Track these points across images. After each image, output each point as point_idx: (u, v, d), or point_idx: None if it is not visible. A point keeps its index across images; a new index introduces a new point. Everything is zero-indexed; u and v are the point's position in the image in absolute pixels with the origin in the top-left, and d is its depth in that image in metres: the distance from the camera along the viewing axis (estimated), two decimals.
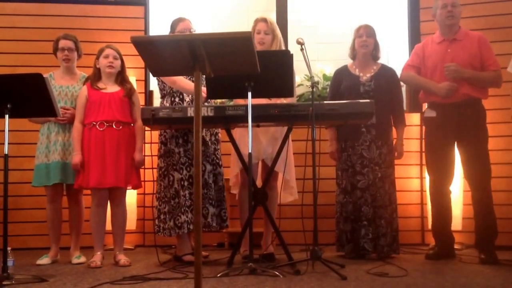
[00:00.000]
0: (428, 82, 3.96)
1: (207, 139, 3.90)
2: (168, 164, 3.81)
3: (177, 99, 3.86)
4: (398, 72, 4.10)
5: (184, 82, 3.77)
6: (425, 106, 4.13)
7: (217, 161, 3.93)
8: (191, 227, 3.69)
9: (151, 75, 3.51)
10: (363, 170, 3.89)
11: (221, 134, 4.03)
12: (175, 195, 3.76)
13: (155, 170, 3.85)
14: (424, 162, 4.71)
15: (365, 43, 3.97)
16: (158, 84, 3.96)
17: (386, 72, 4.02)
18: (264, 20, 3.95)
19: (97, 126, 3.75)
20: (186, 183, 3.73)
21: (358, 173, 3.90)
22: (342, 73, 4.09)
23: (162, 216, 3.80)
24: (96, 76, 3.90)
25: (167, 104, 3.84)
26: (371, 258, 3.83)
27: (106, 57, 3.86)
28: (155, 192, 3.87)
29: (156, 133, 4.43)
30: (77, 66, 4.10)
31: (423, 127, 4.18)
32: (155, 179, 3.81)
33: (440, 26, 3.97)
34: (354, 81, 3.99)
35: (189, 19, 3.94)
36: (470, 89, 3.80)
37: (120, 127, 3.78)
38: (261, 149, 3.86)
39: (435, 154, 3.94)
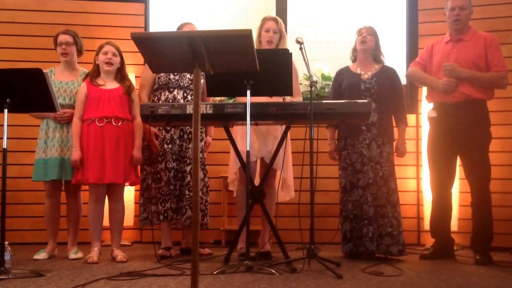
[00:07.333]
0: (429, 78, 3.99)
1: (175, 137, 3.96)
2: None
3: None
4: (398, 73, 4.10)
5: None
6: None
7: (185, 159, 3.97)
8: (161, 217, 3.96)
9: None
10: (363, 168, 3.87)
11: (220, 131, 4.03)
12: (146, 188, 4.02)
13: None
14: (420, 163, 4.75)
15: (365, 38, 3.98)
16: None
17: (387, 71, 4.02)
18: (275, 19, 4.00)
19: (96, 122, 3.75)
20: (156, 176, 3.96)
21: (358, 172, 3.88)
22: (343, 73, 4.10)
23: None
24: (95, 73, 3.90)
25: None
26: (373, 257, 3.78)
27: (105, 53, 3.86)
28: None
29: None
30: (77, 62, 4.10)
31: (427, 127, 4.18)
32: None
33: (448, 27, 3.99)
34: (355, 79, 3.98)
35: (193, 23, 4.11)
36: (471, 89, 3.80)
37: (119, 123, 3.78)
38: (260, 147, 3.87)
39: (435, 155, 3.95)
